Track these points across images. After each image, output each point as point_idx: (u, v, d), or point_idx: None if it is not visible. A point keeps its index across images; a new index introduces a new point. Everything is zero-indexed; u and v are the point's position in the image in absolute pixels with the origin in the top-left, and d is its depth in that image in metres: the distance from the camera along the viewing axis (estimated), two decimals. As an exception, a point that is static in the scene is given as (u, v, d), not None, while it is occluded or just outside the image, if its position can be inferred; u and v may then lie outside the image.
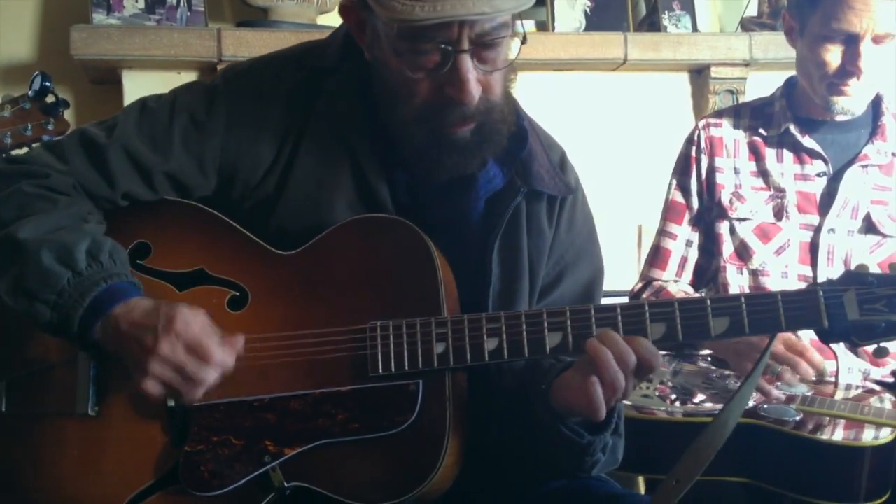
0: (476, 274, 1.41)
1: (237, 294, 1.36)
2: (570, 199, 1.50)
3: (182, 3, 2.94)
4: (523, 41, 1.32)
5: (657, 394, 1.86)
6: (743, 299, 1.26)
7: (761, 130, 2.06)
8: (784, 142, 2.03)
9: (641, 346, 1.25)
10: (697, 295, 2.03)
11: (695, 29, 3.24)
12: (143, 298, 1.30)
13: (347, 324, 1.31)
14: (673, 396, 1.83)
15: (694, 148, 2.10)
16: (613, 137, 3.24)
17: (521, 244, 1.44)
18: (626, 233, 3.17)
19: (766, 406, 1.73)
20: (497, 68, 1.31)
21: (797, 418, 1.68)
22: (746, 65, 3.21)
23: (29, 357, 1.39)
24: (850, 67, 1.89)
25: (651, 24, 3.28)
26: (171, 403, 1.29)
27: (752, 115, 2.09)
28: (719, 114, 2.15)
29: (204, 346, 1.26)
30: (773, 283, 1.98)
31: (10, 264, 1.29)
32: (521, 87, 3.16)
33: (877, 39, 1.87)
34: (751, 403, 1.72)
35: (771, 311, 1.26)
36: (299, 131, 1.41)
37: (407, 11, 1.20)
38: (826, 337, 1.28)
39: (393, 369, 1.28)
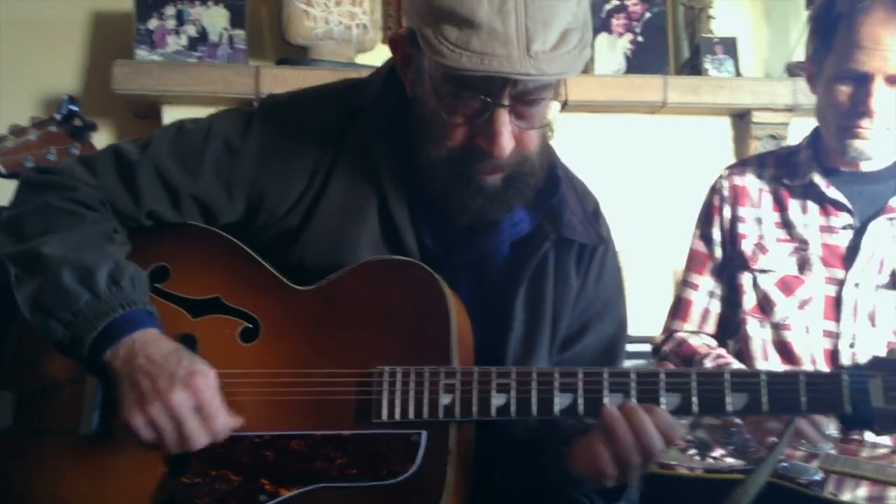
0: (498, 318, 1.40)
1: (250, 326, 1.35)
2: (601, 251, 1.48)
3: (224, 41, 2.99)
4: (563, 105, 1.32)
5: (680, 445, 1.81)
6: (763, 376, 1.23)
7: (785, 180, 2.00)
8: (808, 193, 1.97)
9: (661, 420, 1.22)
10: (726, 359, 1.96)
11: (737, 73, 3.20)
12: (161, 333, 1.30)
13: (356, 366, 1.29)
14: (692, 451, 1.78)
15: (717, 197, 2.05)
16: (652, 181, 3.21)
17: (547, 291, 1.42)
18: (662, 278, 3.13)
19: (786, 464, 1.67)
20: (533, 127, 1.30)
21: (818, 477, 1.61)
22: (790, 110, 3.15)
23: (42, 372, 1.39)
24: (861, 108, 1.83)
25: (693, 67, 3.24)
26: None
27: (776, 165, 2.04)
28: (743, 162, 2.10)
29: (214, 414, 1.25)
30: (795, 338, 1.92)
31: (31, 278, 1.30)
32: (559, 128, 3.16)
33: (891, 80, 1.82)
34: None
35: (791, 392, 1.23)
36: (330, 166, 1.41)
37: (454, 59, 1.19)
38: (848, 423, 1.25)
39: (397, 417, 1.26)
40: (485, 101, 1.24)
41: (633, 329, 2.40)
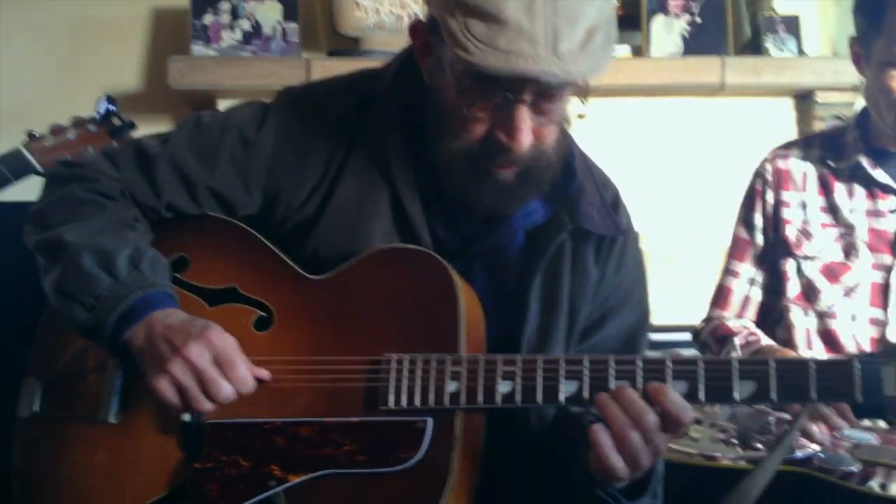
0: (513, 309, 1.39)
1: (264, 315, 1.37)
2: (621, 242, 1.46)
3: (277, 34, 3.03)
4: (584, 100, 1.30)
5: (720, 436, 1.76)
6: (773, 364, 1.19)
7: (830, 162, 1.93)
8: (855, 175, 1.89)
9: (667, 398, 1.18)
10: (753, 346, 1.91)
11: (800, 52, 3.10)
12: (179, 310, 1.33)
13: (366, 353, 1.30)
14: (735, 441, 1.73)
15: (759, 181, 1.99)
16: (711, 165, 3.13)
17: (563, 282, 1.40)
18: (720, 266, 3.06)
19: (821, 454, 1.61)
20: (552, 121, 1.29)
21: (853, 468, 1.56)
22: (855, 90, 3.03)
23: (68, 361, 1.43)
24: None
25: (754, 48, 3.15)
26: (187, 417, 1.30)
27: (822, 146, 1.97)
28: (789, 145, 2.03)
29: (232, 361, 1.27)
30: (841, 327, 1.86)
31: (54, 264, 1.34)
32: (614, 112, 3.13)
33: None
34: (806, 451, 1.61)
35: (801, 379, 1.18)
36: (344, 157, 1.41)
37: (479, 56, 1.18)
38: (859, 412, 1.22)
39: (404, 404, 1.27)
40: (507, 96, 1.23)
41: (688, 317, 2.36)
